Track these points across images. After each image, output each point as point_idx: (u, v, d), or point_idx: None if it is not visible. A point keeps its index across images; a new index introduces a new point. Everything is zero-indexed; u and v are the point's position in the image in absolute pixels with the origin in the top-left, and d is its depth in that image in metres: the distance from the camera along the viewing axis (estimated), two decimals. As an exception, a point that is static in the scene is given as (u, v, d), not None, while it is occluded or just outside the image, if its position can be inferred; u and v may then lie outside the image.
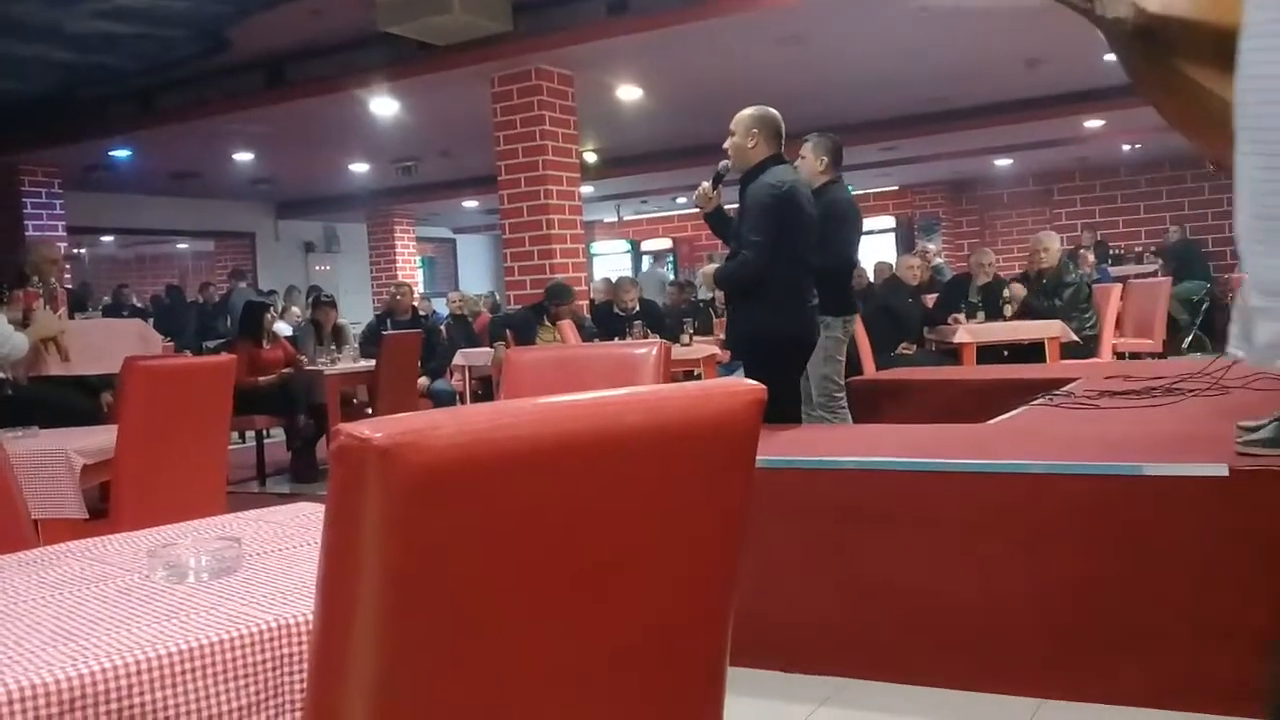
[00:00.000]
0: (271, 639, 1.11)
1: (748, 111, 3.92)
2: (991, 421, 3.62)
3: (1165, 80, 1.30)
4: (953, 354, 6.73)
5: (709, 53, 7.51)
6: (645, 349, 2.34)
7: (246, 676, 1.09)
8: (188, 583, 1.30)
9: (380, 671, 0.83)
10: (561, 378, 2.35)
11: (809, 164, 4.57)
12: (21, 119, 9.12)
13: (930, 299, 7.65)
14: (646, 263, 17.64)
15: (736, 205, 3.99)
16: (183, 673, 1.04)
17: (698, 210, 4.17)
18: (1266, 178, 0.98)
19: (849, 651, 2.77)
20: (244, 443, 7.20)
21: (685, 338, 6.68)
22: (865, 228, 16.32)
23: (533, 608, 0.91)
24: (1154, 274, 11.28)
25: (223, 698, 1.07)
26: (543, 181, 7.42)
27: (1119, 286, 7.65)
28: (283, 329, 8.31)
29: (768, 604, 2.79)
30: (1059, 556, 2.57)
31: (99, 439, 3.00)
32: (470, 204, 15.18)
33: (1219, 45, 1.18)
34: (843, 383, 4.68)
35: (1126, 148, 13.04)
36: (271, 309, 7.05)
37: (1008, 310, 6.87)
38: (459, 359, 7.68)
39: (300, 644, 1.12)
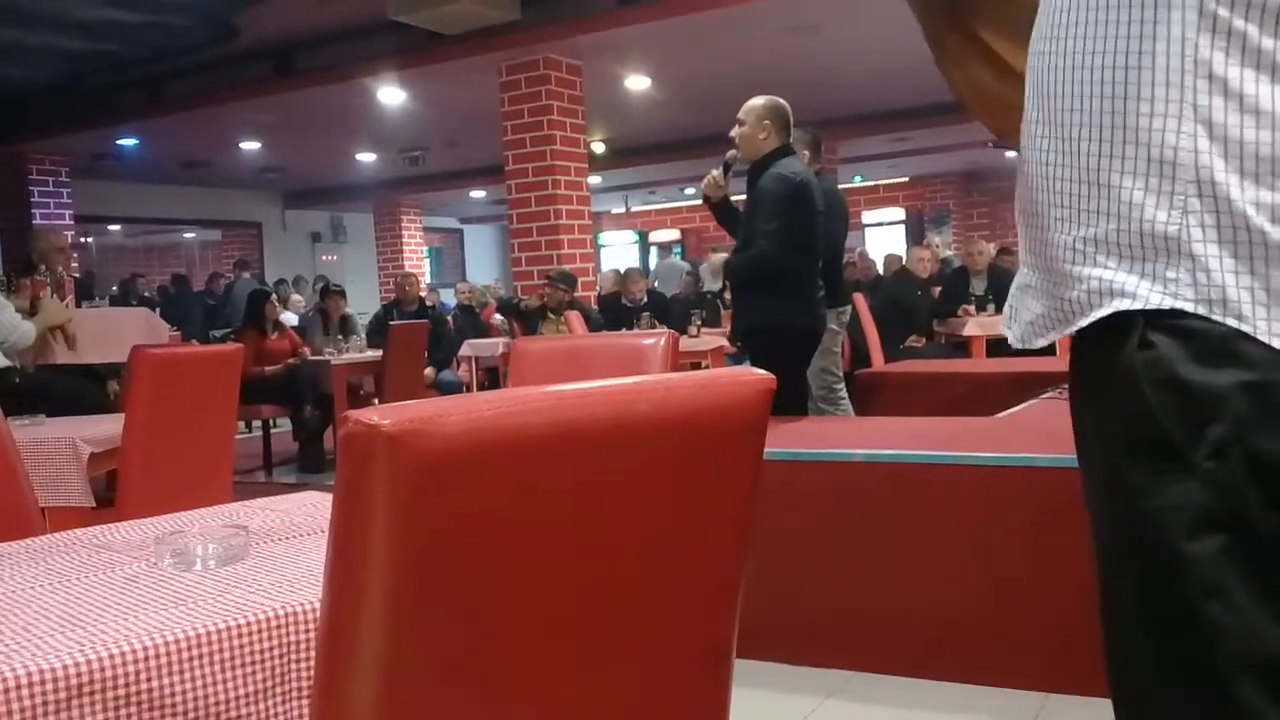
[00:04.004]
0: (279, 626, 1.11)
1: (758, 101, 3.90)
2: (1001, 415, 3.61)
3: (957, 48, 1.20)
4: (962, 347, 6.71)
5: (719, 42, 7.48)
6: (653, 340, 2.33)
7: (253, 663, 1.08)
8: (195, 570, 1.30)
9: (388, 657, 0.82)
10: (569, 368, 2.34)
11: None
12: (29, 107, 9.13)
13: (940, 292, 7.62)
14: (655, 254, 17.61)
15: (743, 197, 3.97)
16: (190, 659, 1.04)
17: (704, 198, 4.13)
18: (1054, 148, 0.90)
19: (855, 644, 2.77)
20: (250, 432, 7.21)
21: (693, 329, 6.67)
22: (875, 220, 16.26)
23: (539, 595, 0.90)
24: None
25: (230, 684, 1.07)
26: (550, 172, 7.41)
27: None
28: (289, 319, 8.32)
29: (774, 596, 2.78)
30: (1067, 550, 2.55)
31: (106, 427, 3.00)
32: (478, 194, 15.17)
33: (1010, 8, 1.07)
34: (840, 374, 4.67)
35: (1137, 140, 12.96)
36: (272, 297, 7.03)
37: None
38: (466, 349, 7.68)
39: (307, 631, 1.12)
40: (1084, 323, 0.88)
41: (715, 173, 4.00)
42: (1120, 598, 0.89)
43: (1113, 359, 0.86)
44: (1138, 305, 0.84)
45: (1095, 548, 0.92)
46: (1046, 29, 0.92)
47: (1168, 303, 0.82)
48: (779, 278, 3.76)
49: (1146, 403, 0.83)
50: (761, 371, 1.03)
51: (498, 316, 8.83)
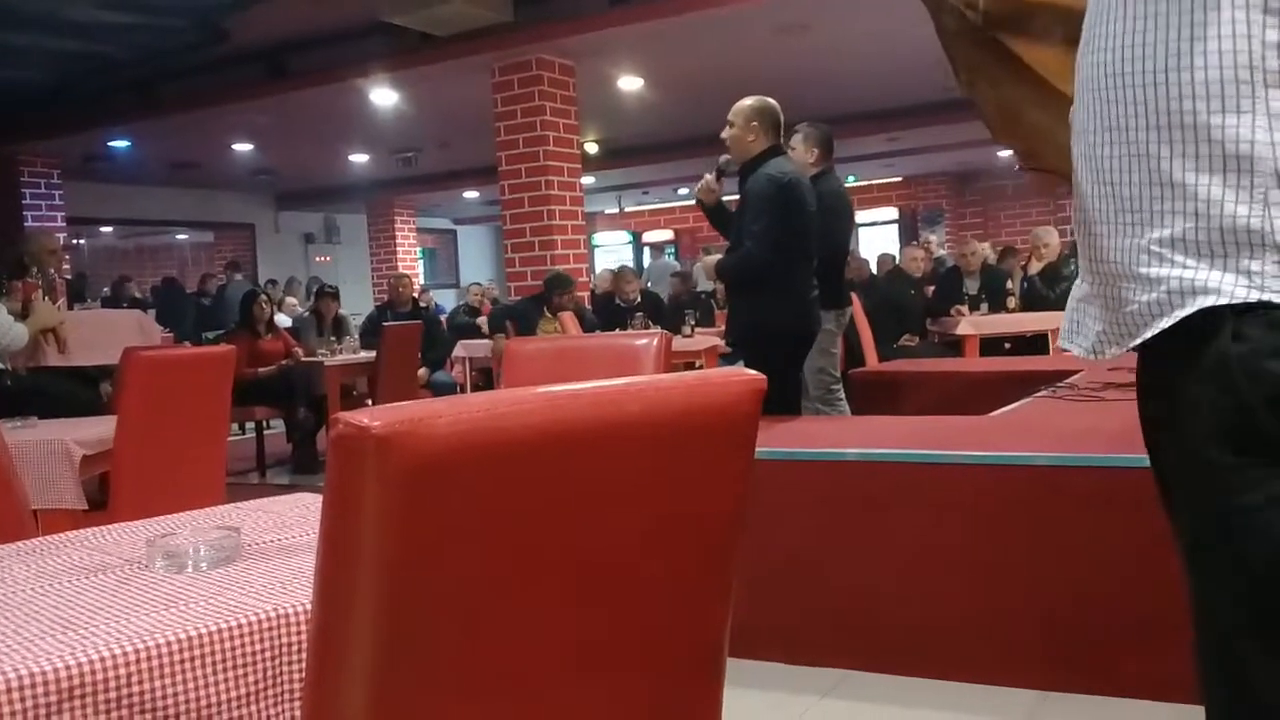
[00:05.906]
0: (270, 628, 1.11)
1: (747, 102, 3.89)
2: (994, 413, 3.61)
3: (997, 76, 1.23)
4: (955, 346, 6.73)
5: (711, 42, 7.48)
6: (646, 340, 2.32)
7: (245, 666, 1.08)
8: (186, 572, 1.30)
9: (379, 660, 0.82)
10: (561, 368, 2.34)
11: (799, 155, 4.43)
12: (20, 109, 9.10)
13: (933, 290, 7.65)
14: (648, 254, 17.61)
15: (735, 197, 3.97)
16: (181, 662, 1.04)
17: (698, 203, 4.15)
18: (1117, 154, 0.91)
19: (850, 643, 2.77)
20: (244, 434, 7.19)
21: (687, 329, 6.67)
22: (868, 219, 16.32)
23: (530, 596, 0.90)
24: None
25: (221, 687, 1.06)
26: (544, 172, 7.40)
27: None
28: (283, 320, 8.29)
29: (769, 595, 2.79)
30: (1061, 548, 2.56)
31: (98, 429, 3.00)
32: (471, 195, 15.16)
33: (1067, 29, 1.09)
34: (838, 375, 4.67)
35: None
36: (263, 296, 6.99)
37: (1011, 302, 6.87)
38: (459, 350, 7.68)
39: (299, 633, 1.12)
40: (1166, 324, 0.87)
41: (708, 177, 4.00)
42: (1221, 592, 0.91)
43: (1203, 355, 0.85)
44: (1223, 301, 0.83)
45: (1183, 544, 0.93)
46: (1100, 40, 0.92)
47: (1254, 295, 0.82)
48: (766, 278, 3.75)
49: (1243, 396, 0.82)
50: (752, 372, 1.03)
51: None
